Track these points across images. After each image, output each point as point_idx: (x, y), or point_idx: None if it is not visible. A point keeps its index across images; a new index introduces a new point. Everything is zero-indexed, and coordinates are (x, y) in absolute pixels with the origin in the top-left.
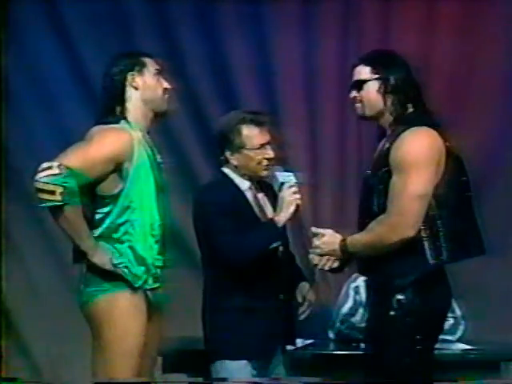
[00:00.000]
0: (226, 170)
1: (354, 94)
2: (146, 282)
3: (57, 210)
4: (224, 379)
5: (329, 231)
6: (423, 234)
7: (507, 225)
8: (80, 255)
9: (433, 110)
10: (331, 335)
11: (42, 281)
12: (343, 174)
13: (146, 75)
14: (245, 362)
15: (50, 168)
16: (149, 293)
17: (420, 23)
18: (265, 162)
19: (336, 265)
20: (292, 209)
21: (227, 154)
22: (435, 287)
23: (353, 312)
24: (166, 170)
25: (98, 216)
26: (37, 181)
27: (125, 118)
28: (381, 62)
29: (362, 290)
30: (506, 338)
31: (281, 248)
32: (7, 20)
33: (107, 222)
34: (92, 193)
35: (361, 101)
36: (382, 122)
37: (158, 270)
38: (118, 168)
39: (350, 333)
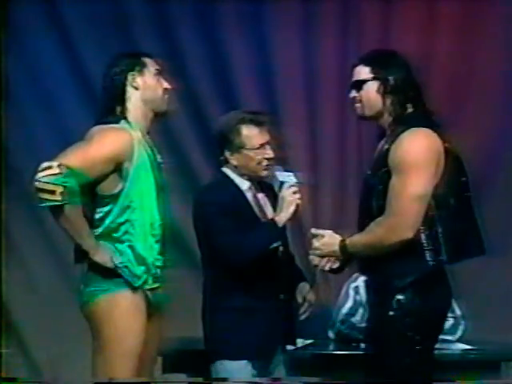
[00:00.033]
0: (226, 170)
1: (353, 94)
2: (146, 281)
3: (57, 210)
4: (224, 379)
5: (328, 232)
6: (422, 235)
7: (507, 225)
8: (81, 255)
9: (433, 110)
10: (331, 335)
11: (42, 281)
12: (343, 174)
13: (147, 75)
14: (245, 362)
15: (50, 168)
16: (149, 293)
17: (420, 23)
18: (265, 162)
19: (336, 265)
20: (292, 209)
21: (227, 154)
22: (435, 287)
23: (353, 312)
24: (165, 170)
25: (98, 215)
26: (37, 180)
27: (125, 118)
28: (380, 62)
29: (362, 290)
30: (506, 337)
31: (281, 248)
32: (7, 20)
33: (107, 221)
34: (92, 192)
35: (360, 101)
36: (381, 122)
37: (158, 270)
38: (118, 168)
39: (349, 333)
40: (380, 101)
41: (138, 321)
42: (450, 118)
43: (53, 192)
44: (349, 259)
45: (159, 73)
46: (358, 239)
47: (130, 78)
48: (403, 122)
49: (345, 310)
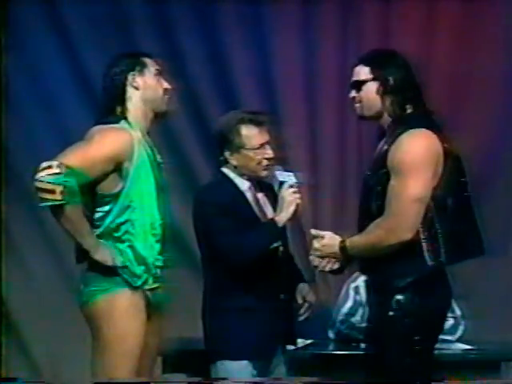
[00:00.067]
0: (226, 170)
1: (353, 94)
2: (145, 281)
3: (57, 209)
4: (224, 379)
5: (328, 233)
6: (422, 236)
7: (507, 225)
8: (82, 254)
9: (432, 110)
10: (331, 335)
11: (42, 281)
12: (343, 174)
13: (147, 75)
14: (245, 362)
15: (50, 167)
16: (148, 293)
17: (420, 23)
18: (264, 162)
19: (336, 266)
20: (292, 209)
21: (227, 154)
22: (435, 287)
23: (353, 312)
24: (166, 169)
25: (98, 215)
26: (37, 180)
27: (125, 118)
28: (380, 62)
29: (362, 290)
30: (506, 337)
31: (281, 248)
32: (7, 20)
33: (107, 221)
34: (92, 192)
35: (360, 101)
36: (381, 122)
37: (158, 270)
38: (118, 167)
39: (349, 333)
40: (379, 101)
41: (138, 321)
42: (450, 118)
43: (53, 191)
44: (349, 260)
45: (159, 73)
46: (357, 240)
47: (130, 78)
48: (403, 123)
49: (345, 309)
